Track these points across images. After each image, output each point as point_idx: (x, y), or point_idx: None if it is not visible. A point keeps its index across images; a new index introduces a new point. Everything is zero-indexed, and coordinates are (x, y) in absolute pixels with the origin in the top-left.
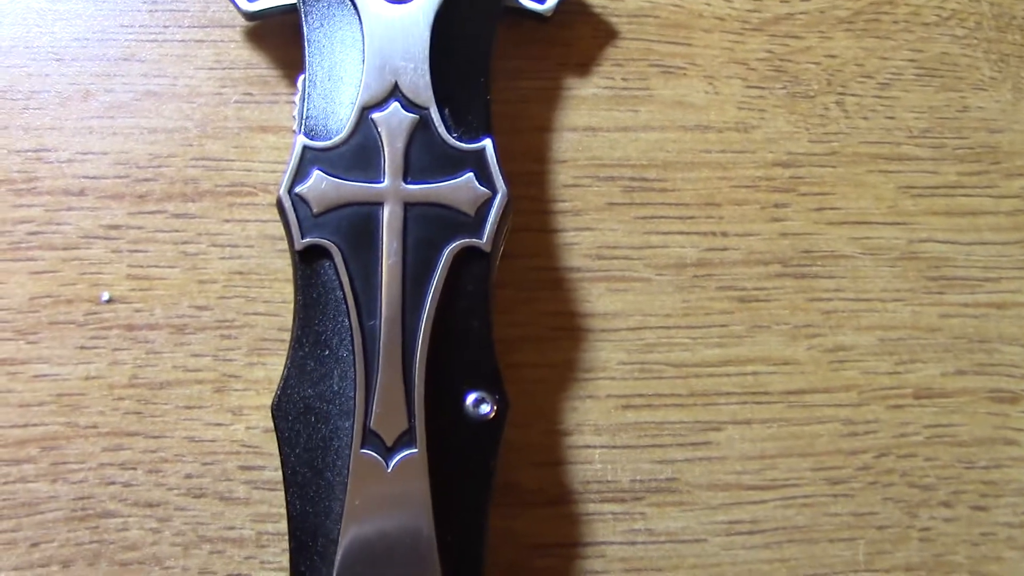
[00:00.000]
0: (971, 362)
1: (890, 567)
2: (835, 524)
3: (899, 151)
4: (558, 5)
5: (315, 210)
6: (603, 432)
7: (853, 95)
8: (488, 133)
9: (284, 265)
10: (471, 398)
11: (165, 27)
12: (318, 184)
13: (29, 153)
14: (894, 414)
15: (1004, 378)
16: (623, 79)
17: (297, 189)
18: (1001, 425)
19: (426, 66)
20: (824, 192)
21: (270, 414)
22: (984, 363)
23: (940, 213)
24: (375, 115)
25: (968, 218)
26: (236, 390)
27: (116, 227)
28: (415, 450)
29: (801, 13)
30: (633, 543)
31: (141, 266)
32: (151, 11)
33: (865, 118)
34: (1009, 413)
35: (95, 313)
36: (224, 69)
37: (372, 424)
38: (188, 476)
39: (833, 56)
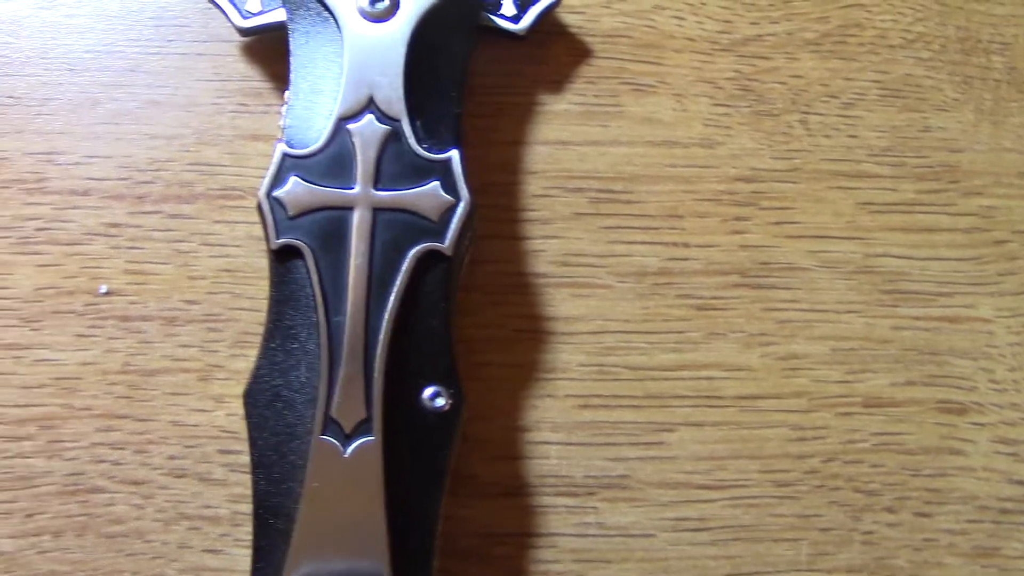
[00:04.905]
0: (921, 373)
1: (832, 568)
2: (780, 525)
3: (859, 168)
4: (534, 25)
5: (290, 212)
6: (560, 429)
7: (817, 114)
8: (456, 145)
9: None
10: (428, 391)
11: (168, 41)
12: (294, 188)
13: (40, 156)
14: (843, 421)
15: (953, 390)
16: (595, 96)
17: (275, 193)
18: (948, 435)
19: (400, 81)
20: (784, 207)
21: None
22: (934, 375)
23: (897, 229)
24: (350, 126)
25: (924, 234)
26: (219, 379)
27: (116, 225)
28: (372, 438)
29: (769, 35)
30: (584, 535)
31: (137, 262)
32: (156, 26)
33: (827, 136)
34: (956, 424)
35: (93, 304)
36: (221, 81)
37: (333, 412)
38: (171, 457)
39: (799, 76)
